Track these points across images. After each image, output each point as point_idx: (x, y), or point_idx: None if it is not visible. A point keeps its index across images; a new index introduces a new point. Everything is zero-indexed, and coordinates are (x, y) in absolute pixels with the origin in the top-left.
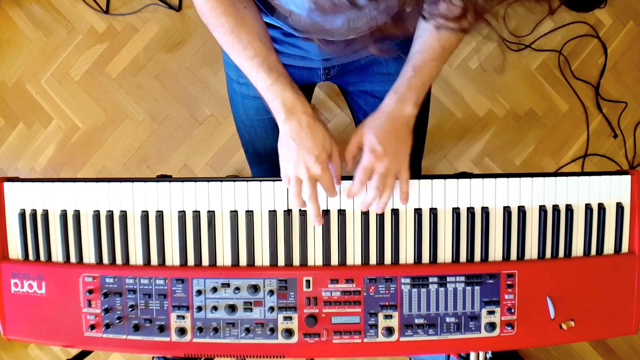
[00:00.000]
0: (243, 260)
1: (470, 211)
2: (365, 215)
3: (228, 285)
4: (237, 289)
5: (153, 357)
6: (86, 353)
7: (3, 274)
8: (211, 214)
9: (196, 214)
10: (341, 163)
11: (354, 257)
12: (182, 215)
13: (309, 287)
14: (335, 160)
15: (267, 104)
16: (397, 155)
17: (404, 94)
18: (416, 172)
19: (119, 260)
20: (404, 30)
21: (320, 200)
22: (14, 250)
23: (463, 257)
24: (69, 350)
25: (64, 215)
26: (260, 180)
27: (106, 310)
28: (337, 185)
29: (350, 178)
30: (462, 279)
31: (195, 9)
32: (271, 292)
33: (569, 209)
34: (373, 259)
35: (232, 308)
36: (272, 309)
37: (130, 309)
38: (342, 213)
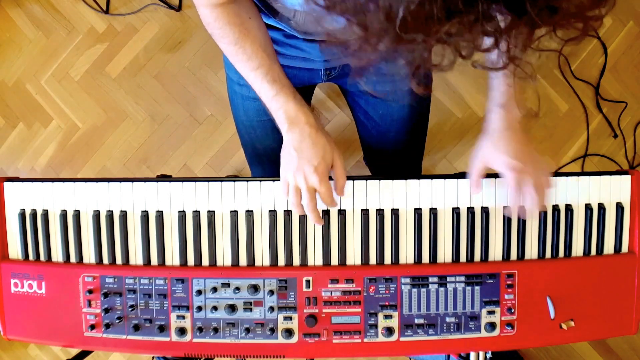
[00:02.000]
0: (243, 260)
1: (470, 211)
2: (365, 215)
3: (228, 285)
4: (237, 289)
5: (153, 357)
6: (86, 353)
7: (3, 274)
8: (211, 214)
9: (196, 214)
10: (344, 175)
11: (354, 257)
12: (182, 215)
13: (309, 287)
14: (338, 171)
15: (271, 114)
16: (534, 160)
17: (507, 104)
18: (416, 172)
19: (119, 260)
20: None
21: (320, 201)
22: (14, 250)
23: (463, 257)
24: (69, 350)
25: (64, 215)
26: (260, 181)
27: (106, 310)
28: (338, 197)
29: (355, 178)
30: (462, 279)
31: (197, 13)
32: (271, 292)
33: (569, 209)
34: (373, 259)
35: (232, 308)
36: (272, 309)
37: (130, 309)
38: (342, 213)
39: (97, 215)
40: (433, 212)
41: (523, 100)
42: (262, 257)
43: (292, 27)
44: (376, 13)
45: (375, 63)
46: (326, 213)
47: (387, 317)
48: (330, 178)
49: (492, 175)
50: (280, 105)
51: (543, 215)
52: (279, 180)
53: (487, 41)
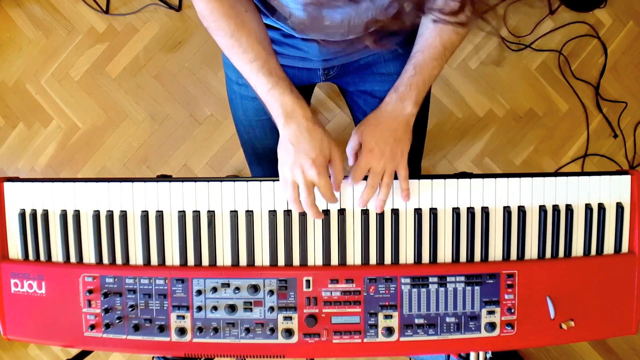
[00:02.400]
0: (243, 260)
1: (470, 211)
2: (365, 215)
3: (228, 285)
4: (237, 289)
5: (153, 357)
6: (86, 353)
7: (3, 274)
8: (211, 214)
9: (196, 214)
10: (341, 169)
11: (354, 257)
12: (182, 215)
13: (309, 287)
14: (336, 165)
15: (267, 108)
16: (394, 154)
17: (404, 93)
18: (416, 172)
19: (119, 260)
20: (401, 25)
21: (320, 200)
22: (14, 250)
23: (463, 257)
24: (69, 350)
25: (64, 215)
26: (260, 180)
27: (106, 310)
28: (337, 192)
29: None
30: (462, 279)
31: (195, 10)
32: (271, 292)
33: (569, 209)
34: (373, 259)
35: (232, 308)
36: (272, 309)
37: (130, 309)
38: (342, 213)
39: (97, 215)
40: (433, 212)
41: (419, 100)
42: (262, 257)
43: (289, 26)
44: None
45: None
46: (326, 213)
47: (387, 317)
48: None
49: (493, 175)
50: (277, 99)
51: (543, 215)
52: (278, 180)
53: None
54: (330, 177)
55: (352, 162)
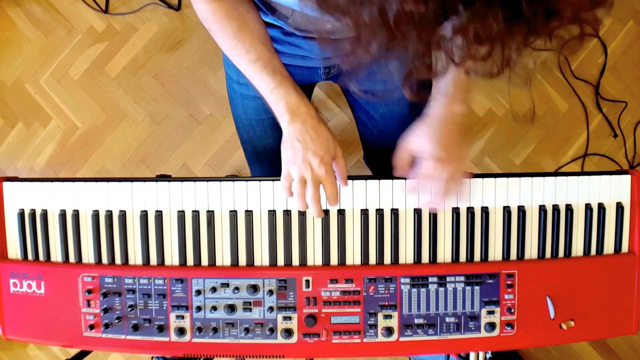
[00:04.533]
0: (242, 260)
1: (470, 211)
2: (364, 215)
3: (227, 285)
4: (237, 288)
5: (152, 357)
6: (85, 353)
7: (2, 273)
8: (210, 214)
9: (195, 214)
10: (345, 166)
11: (353, 257)
12: (181, 215)
13: (309, 287)
14: (339, 163)
15: (270, 107)
16: (459, 159)
17: (453, 94)
18: None
19: (118, 260)
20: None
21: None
22: (13, 250)
23: (463, 257)
24: (68, 350)
25: (63, 215)
26: (260, 180)
27: (105, 310)
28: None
29: (354, 178)
30: (462, 278)
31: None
32: (270, 292)
33: (569, 208)
34: (372, 259)
35: (232, 308)
36: (271, 308)
37: (129, 309)
38: (341, 213)
39: (96, 215)
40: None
41: (468, 98)
42: (262, 257)
43: (290, 25)
44: (369, 8)
45: (366, 65)
46: (326, 213)
47: (386, 317)
48: None
49: (493, 175)
50: (281, 97)
51: (543, 215)
52: (278, 179)
53: (481, 50)
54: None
55: (401, 173)
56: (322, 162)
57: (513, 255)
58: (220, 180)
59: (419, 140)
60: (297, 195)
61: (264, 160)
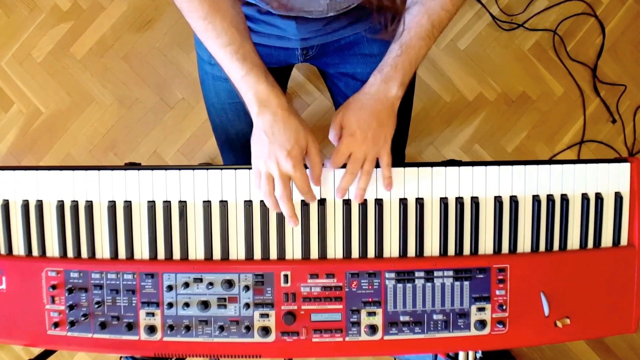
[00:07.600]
0: (217, 254)
1: (459, 201)
2: (347, 205)
3: (201, 280)
4: (211, 284)
5: (121, 357)
6: (49, 352)
7: None
8: (183, 204)
9: (167, 205)
10: (320, 162)
11: (335, 250)
12: (151, 205)
13: (287, 283)
14: (313, 157)
15: (240, 96)
16: (376, 139)
17: (389, 74)
18: (400, 160)
19: (84, 253)
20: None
21: (297, 195)
22: None
23: (451, 250)
24: (31, 349)
25: (25, 205)
26: (235, 169)
27: (71, 307)
28: (317, 188)
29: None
30: (451, 273)
31: None
32: (247, 288)
33: (565, 199)
34: (355, 253)
35: (205, 304)
36: (247, 305)
37: (96, 306)
38: (322, 203)
39: (61, 206)
40: (419, 202)
41: (406, 81)
42: (237, 250)
43: (266, 3)
44: None
45: None
46: (306, 203)
47: (370, 314)
48: (306, 167)
49: (484, 163)
50: (251, 86)
51: (537, 206)
52: None
53: None
54: (307, 169)
55: (334, 141)
56: (289, 156)
57: (505, 248)
58: (193, 169)
59: (342, 114)
60: (264, 193)
61: (237, 147)
